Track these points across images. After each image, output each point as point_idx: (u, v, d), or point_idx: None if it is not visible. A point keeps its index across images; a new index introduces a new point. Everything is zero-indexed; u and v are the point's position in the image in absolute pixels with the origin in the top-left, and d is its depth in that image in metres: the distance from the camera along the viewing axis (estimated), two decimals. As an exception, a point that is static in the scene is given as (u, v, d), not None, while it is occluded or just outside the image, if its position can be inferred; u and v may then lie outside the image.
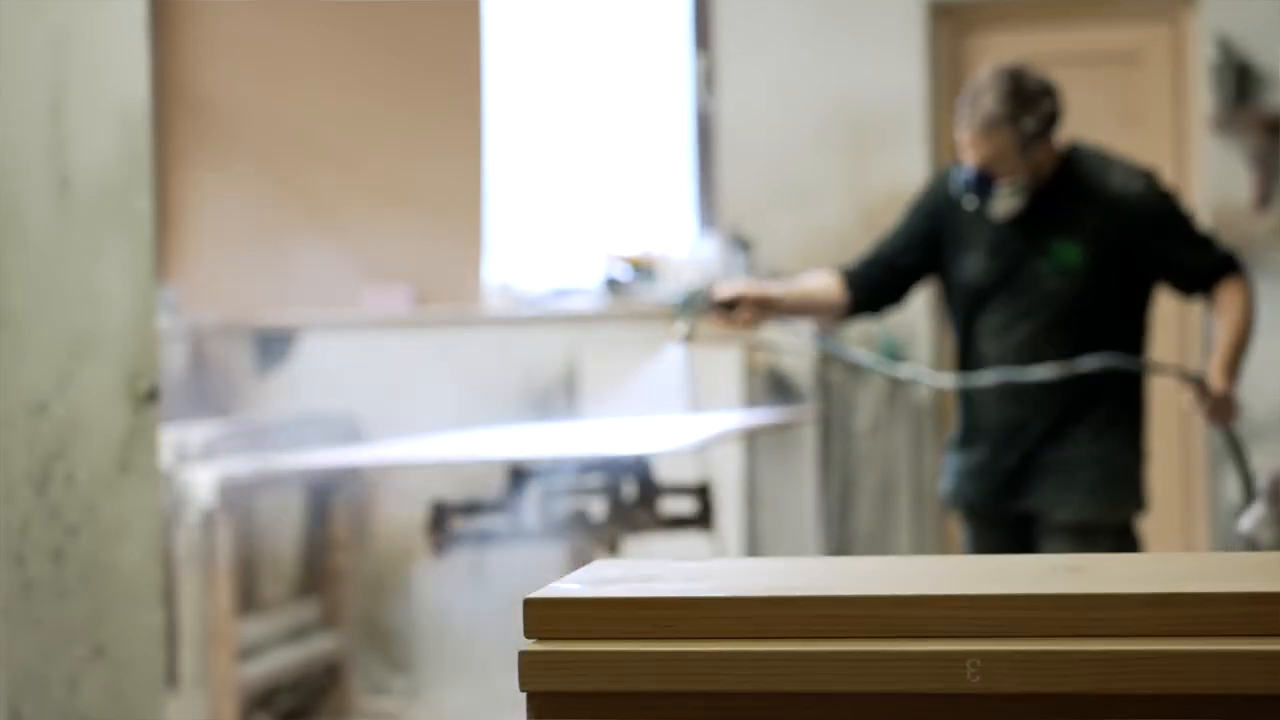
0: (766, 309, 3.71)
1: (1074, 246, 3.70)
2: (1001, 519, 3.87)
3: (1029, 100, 3.62)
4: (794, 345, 4.04)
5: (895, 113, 6.08)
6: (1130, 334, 3.78)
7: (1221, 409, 3.69)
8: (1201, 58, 5.87)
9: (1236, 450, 3.79)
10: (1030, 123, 3.62)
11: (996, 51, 6.17)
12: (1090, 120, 6.09)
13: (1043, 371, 3.67)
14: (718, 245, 6.16)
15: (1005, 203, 3.69)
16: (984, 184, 3.69)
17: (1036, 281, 3.73)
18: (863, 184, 6.00)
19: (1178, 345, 6.04)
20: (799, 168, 6.09)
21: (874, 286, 3.89)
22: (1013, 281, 3.76)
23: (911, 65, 5.94)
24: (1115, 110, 6.08)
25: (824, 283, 3.88)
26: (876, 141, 6.02)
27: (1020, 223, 3.74)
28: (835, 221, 6.05)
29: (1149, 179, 3.75)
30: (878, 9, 6.06)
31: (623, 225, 6.38)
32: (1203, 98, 5.89)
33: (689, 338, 3.73)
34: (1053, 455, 3.77)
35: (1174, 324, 6.03)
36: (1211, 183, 5.86)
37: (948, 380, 4.08)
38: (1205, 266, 3.73)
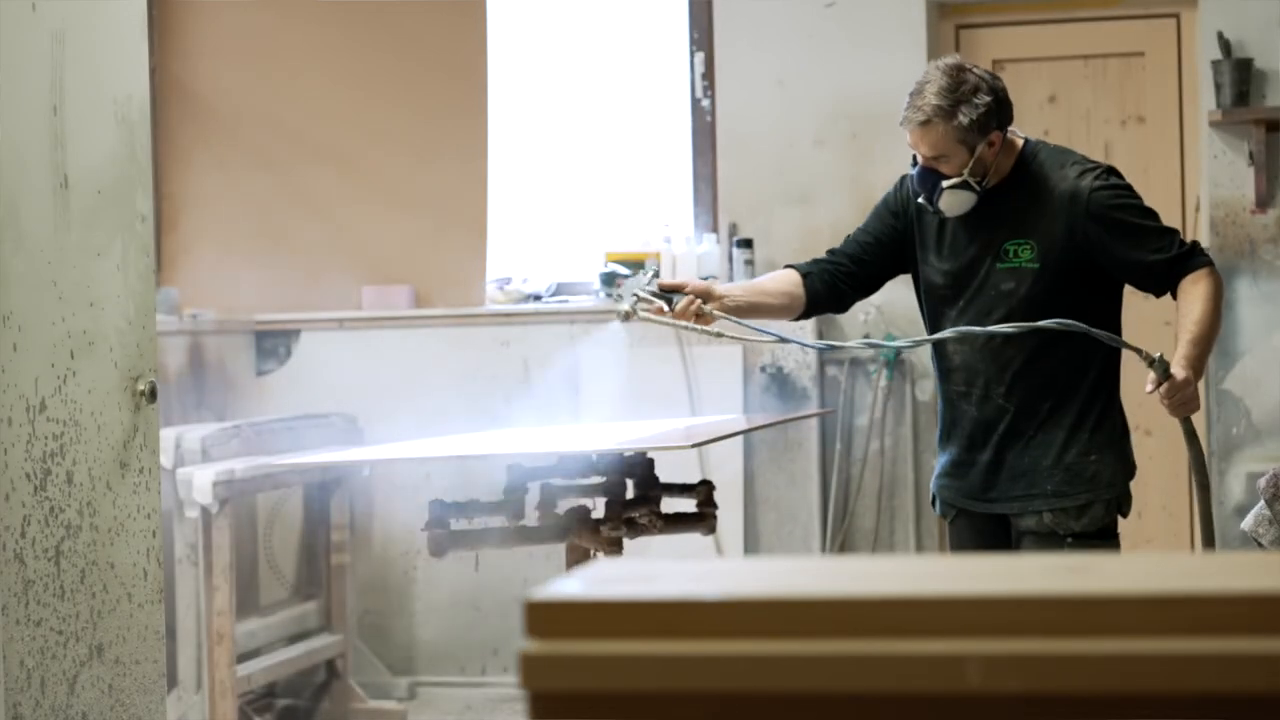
0: (710, 302, 3.72)
1: (1027, 246, 3.70)
2: (977, 519, 3.87)
3: (964, 95, 3.63)
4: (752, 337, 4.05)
5: (895, 111, 6.03)
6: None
7: (1185, 400, 3.62)
8: (1202, 57, 5.87)
9: (1195, 442, 3.75)
10: (965, 116, 3.62)
11: (998, 50, 6.17)
12: (1091, 119, 6.10)
13: (1003, 329, 3.66)
14: (717, 244, 6.16)
15: (951, 198, 3.71)
16: (929, 179, 3.71)
17: (992, 282, 3.74)
18: (863, 183, 6.00)
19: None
20: (799, 166, 6.09)
21: (834, 284, 3.90)
22: (970, 283, 3.77)
23: (912, 64, 5.92)
24: (1116, 109, 6.08)
25: (781, 282, 3.91)
26: (877, 140, 6.01)
27: (976, 223, 3.75)
28: (835, 220, 6.05)
29: (1100, 175, 3.70)
30: (878, 7, 6.05)
31: (623, 223, 6.38)
32: (1203, 97, 5.88)
33: (629, 315, 3.69)
34: (1018, 459, 3.76)
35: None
36: (1211, 183, 5.85)
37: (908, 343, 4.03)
38: (1162, 264, 3.67)
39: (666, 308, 3.69)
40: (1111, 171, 3.74)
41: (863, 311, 5.80)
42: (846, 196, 6.02)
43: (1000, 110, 3.68)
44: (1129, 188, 3.73)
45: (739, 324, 3.76)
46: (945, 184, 3.69)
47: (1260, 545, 4.25)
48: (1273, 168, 5.80)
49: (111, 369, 3.46)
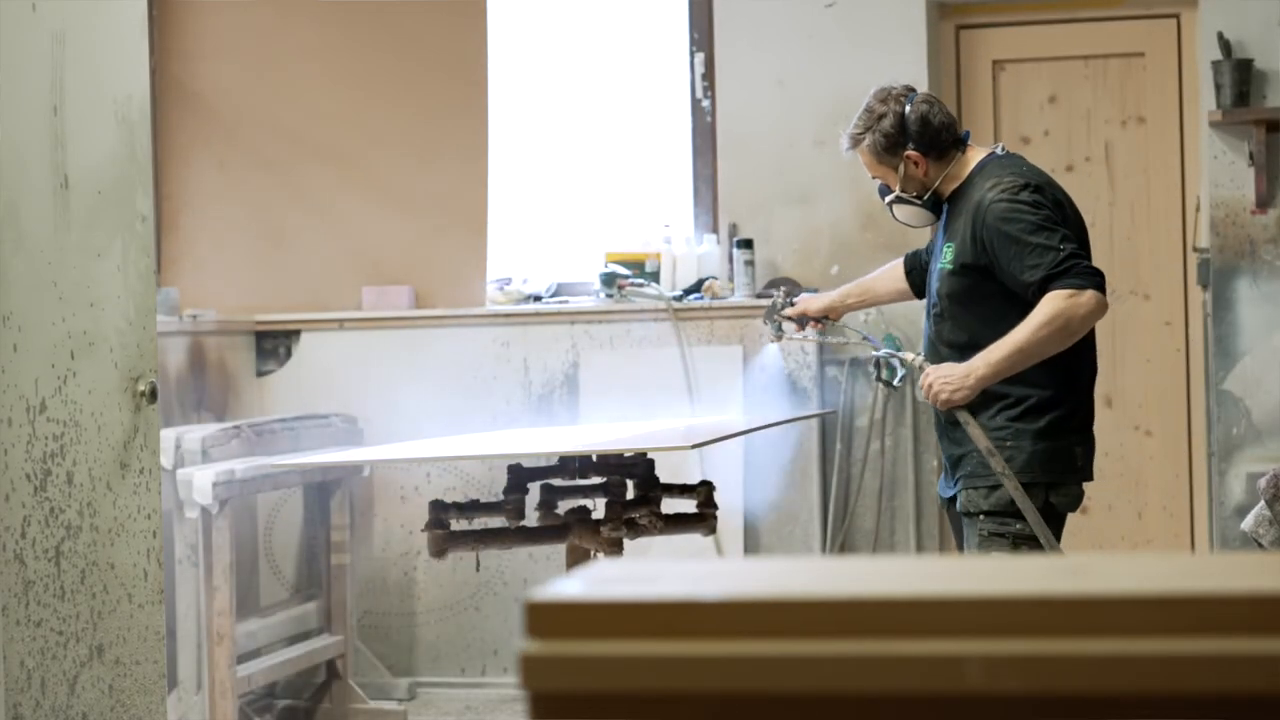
0: (829, 315, 4.40)
1: (951, 250, 3.94)
2: (951, 504, 4.09)
3: (870, 123, 3.99)
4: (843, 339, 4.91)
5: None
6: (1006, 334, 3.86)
7: (929, 385, 3.86)
8: (1203, 58, 5.87)
9: (972, 429, 3.86)
10: (870, 140, 3.98)
11: (998, 50, 6.17)
12: (1091, 119, 6.10)
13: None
14: (717, 244, 6.16)
15: (900, 211, 4.06)
16: (882, 193, 4.09)
17: (933, 279, 4.04)
18: (863, 183, 5.98)
19: (1181, 347, 6.04)
20: (799, 166, 6.09)
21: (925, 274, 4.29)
22: (929, 279, 4.11)
23: (913, 64, 5.93)
24: (1116, 109, 6.08)
25: (892, 281, 4.41)
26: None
27: (943, 227, 4.05)
28: (835, 220, 6.05)
29: (1007, 190, 3.84)
30: (878, 7, 6.05)
31: (623, 224, 6.38)
32: (1204, 97, 5.88)
33: (778, 338, 4.48)
34: (952, 447, 4.00)
35: (1178, 326, 6.02)
36: (1212, 183, 5.85)
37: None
38: (1032, 281, 3.77)
39: (799, 327, 4.45)
40: (1025, 188, 3.87)
41: (863, 312, 5.79)
42: (846, 196, 6.02)
43: (910, 132, 3.95)
44: (1032, 205, 3.84)
45: (849, 329, 4.64)
46: (886, 199, 4.06)
47: (1260, 545, 4.26)
48: (1273, 168, 5.80)
49: (111, 369, 3.46)
